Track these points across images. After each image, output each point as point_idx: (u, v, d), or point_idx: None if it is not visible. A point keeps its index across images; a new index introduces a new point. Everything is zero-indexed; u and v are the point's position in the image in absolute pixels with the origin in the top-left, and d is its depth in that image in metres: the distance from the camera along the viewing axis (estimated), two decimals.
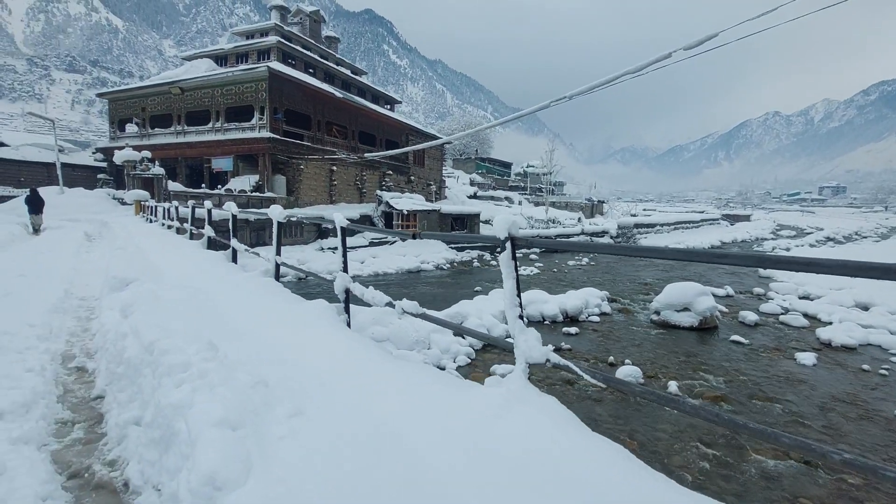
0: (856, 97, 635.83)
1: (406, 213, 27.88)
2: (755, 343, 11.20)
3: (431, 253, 26.16)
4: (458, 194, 49.33)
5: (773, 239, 47.37)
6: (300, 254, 22.44)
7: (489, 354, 10.19)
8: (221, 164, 27.12)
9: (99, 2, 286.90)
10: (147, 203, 18.39)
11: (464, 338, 10.21)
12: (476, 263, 25.84)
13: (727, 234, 47.71)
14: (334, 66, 35.65)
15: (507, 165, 75.94)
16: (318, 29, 37.53)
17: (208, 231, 9.04)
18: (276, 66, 26.39)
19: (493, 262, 26.07)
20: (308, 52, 32.97)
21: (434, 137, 45.81)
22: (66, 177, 27.34)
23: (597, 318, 13.82)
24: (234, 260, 8.01)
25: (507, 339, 3.06)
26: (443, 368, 9.24)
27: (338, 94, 30.56)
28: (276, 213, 6.12)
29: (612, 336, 12.22)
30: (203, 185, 26.00)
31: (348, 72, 37.82)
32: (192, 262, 6.12)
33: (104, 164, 31.94)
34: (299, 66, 31.26)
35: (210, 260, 6.97)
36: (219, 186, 25.50)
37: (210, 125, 27.54)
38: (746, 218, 72.61)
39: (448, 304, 15.83)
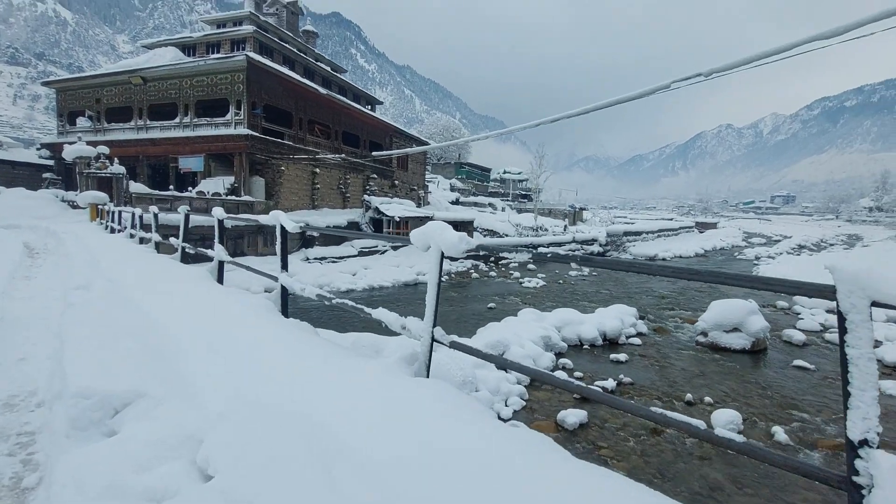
0: (800, 112, 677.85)
1: (398, 220, 25.79)
2: (820, 368, 10.23)
3: (426, 263, 24.22)
4: (441, 200, 47.57)
5: (748, 247, 48.07)
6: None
7: (540, 393, 8.59)
8: (190, 163, 24.22)
9: None
10: (106, 208, 15.54)
11: (507, 371, 8.57)
12: (475, 274, 24.09)
13: (706, 242, 47.96)
14: (314, 62, 33.24)
15: (487, 171, 74.72)
16: (295, 22, 35.02)
17: (209, 250, 6.87)
18: (255, 56, 23.85)
19: (492, 273, 24.41)
20: (286, 45, 30.45)
21: (420, 141, 44.00)
22: (4, 175, 23.75)
23: (637, 341, 12.38)
24: (220, 279, 6.04)
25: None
26: (500, 417, 7.48)
27: (321, 90, 28.20)
28: (284, 219, 4.32)
29: (665, 363, 10.77)
30: (171, 187, 23.06)
31: (328, 68, 35.47)
32: (219, 315, 3.98)
33: (51, 163, 28.19)
34: (277, 59, 28.72)
35: (244, 307, 5.00)
36: (189, 189, 22.64)
37: (177, 120, 24.62)
38: (714, 226, 74.29)
39: (465, 324, 13.99)
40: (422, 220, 27.69)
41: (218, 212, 5.50)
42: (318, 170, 27.84)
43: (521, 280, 22.54)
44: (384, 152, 31.77)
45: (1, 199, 21.04)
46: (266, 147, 24.20)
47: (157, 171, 26.70)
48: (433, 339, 2.86)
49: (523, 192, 74.15)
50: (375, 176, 33.94)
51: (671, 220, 72.60)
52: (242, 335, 3.15)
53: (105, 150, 20.22)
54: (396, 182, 37.96)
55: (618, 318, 12.88)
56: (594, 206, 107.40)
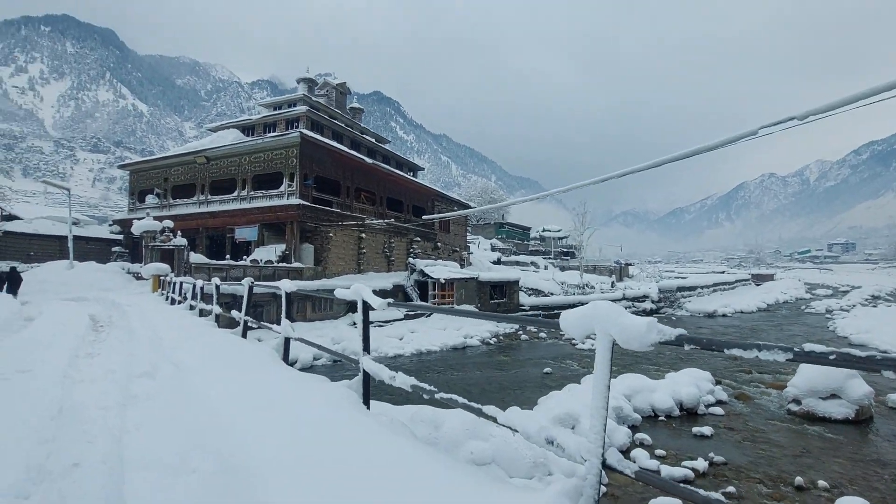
0: (848, 157, 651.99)
1: (443, 281, 25.58)
2: None
3: (473, 326, 23.55)
4: (482, 260, 47.37)
5: (814, 299, 44.50)
6: (333, 331, 19.89)
7: (622, 476, 7.34)
8: (245, 233, 25.37)
9: (127, 89, 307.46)
10: (167, 278, 16.18)
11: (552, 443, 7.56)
12: (524, 336, 23.13)
13: (766, 296, 44.84)
14: (359, 135, 35.21)
15: (526, 230, 74.70)
16: (343, 100, 37.66)
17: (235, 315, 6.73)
18: (308, 132, 25.48)
19: (542, 335, 23.35)
20: (335, 121, 32.54)
21: (461, 203, 44.80)
22: (78, 250, 25.58)
23: (719, 410, 11.08)
24: (286, 357, 5.70)
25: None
26: None
27: (367, 159, 29.54)
28: (368, 294, 3.98)
29: (757, 437, 9.49)
30: (227, 256, 24.07)
31: (373, 140, 37.43)
32: (297, 413, 3.42)
33: (120, 237, 30.37)
34: (327, 133, 30.60)
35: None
36: (244, 257, 23.54)
37: (235, 194, 26.17)
38: (771, 277, 69.78)
39: (522, 392, 13.07)
40: (466, 282, 27.37)
41: (286, 284, 5.29)
42: (363, 235, 28.50)
43: (573, 341, 21.40)
44: (430, 216, 32.38)
45: (73, 273, 22.51)
46: (316, 215, 25.11)
47: (214, 241, 28.12)
48: (604, 465, 2.09)
49: (564, 250, 73.13)
50: (419, 239, 34.40)
51: (723, 272, 69.02)
52: (330, 449, 2.67)
53: (170, 223, 21.53)
54: (439, 244, 38.28)
55: (692, 383, 11.70)
56: (637, 260, 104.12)
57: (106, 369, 5.41)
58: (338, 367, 15.63)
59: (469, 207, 45.03)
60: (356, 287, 3.79)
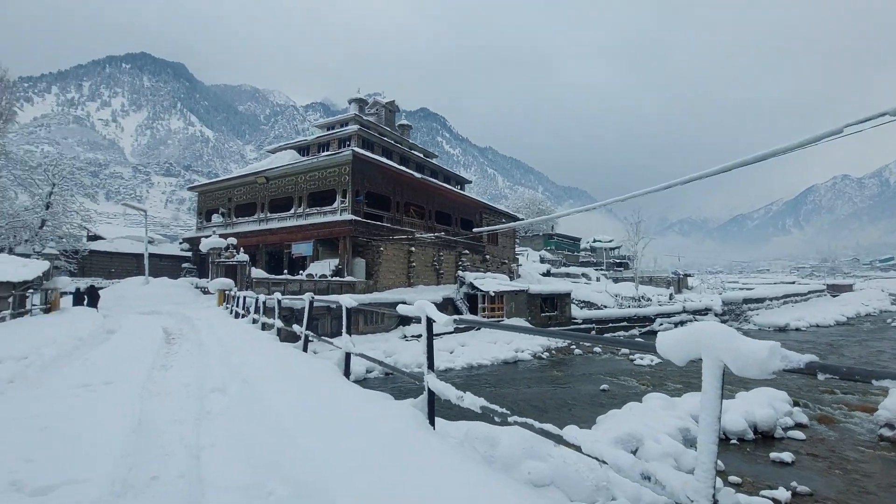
0: None
1: (493, 294, 25.35)
2: None
3: (524, 339, 23.12)
4: (531, 272, 46.61)
5: None
6: (385, 344, 20.18)
7: None
8: (301, 248, 26.43)
9: (195, 117, 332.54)
10: (231, 293, 17.09)
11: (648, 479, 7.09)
12: (577, 351, 22.40)
13: (845, 308, 41.03)
14: (408, 150, 35.95)
15: (576, 241, 72.90)
16: (392, 118, 38.69)
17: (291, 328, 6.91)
18: (359, 150, 26.35)
19: (597, 349, 22.52)
20: (385, 138, 33.44)
21: (509, 216, 44.52)
22: (152, 266, 27.61)
23: (799, 435, 10.17)
24: (347, 371, 5.73)
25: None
26: None
27: (416, 174, 30.06)
28: (432, 311, 3.91)
29: (847, 466, 8.63)
30: (285, 271, 25.16)
31: (421, 155, 38.07)
32: (366, 433, 3.38)
33: (189, 254, 32.56)
34: (377, 150, 31.48)
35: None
36: (300, 272, 24.50)
37: (292, 211, 27.41)
38: (849, 288, 63.59)
39: (578, 410, 12.59)
40: (516, 294, 26.98)
41: (346, 300, 5.38)
42: (413, 248, 28.90)
43: (631, 356, 20.47)
44: (479, 228, 32.40)
45: (148, 288, 24.29)
46: (367, 230, 25.77)
47: (273, 257, 29.50)
48: None
49: (617, 261, 70.59)
50: (467, 252, 34.42)
51: (793, 283, 63.87)
52: (402, 474, 2.63)
53: (233, 241, 22.82)
54: (488, 256, 38.12)
55: (768, 404, 10.84)
56: (696, 271, 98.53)
57: (180, 383, 5.73)
58: (389, 380, 15.76)
59: (517, 219, 44.62)
60: (420, 304, 3.77)
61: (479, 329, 23.76)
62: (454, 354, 19.75)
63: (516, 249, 47.66)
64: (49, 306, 16.26)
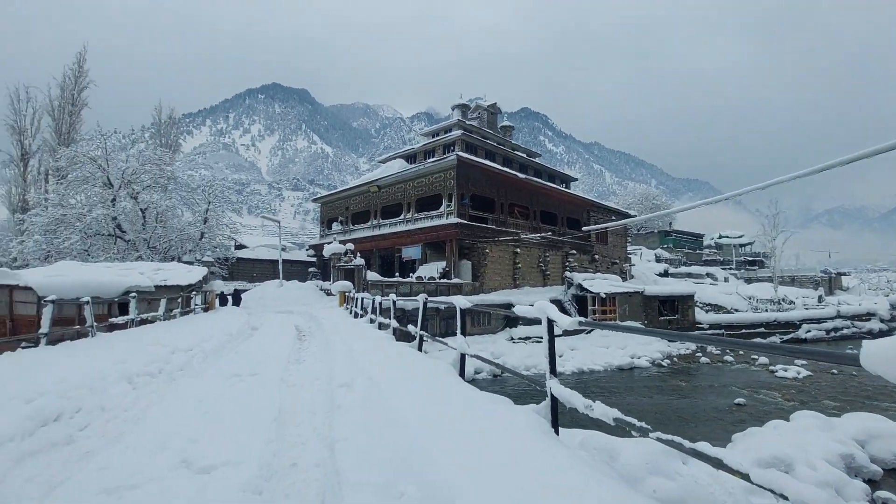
0: None
1: (604, 296, 24.05)
2: None
3: (639, 344, 21.54)
4: (645, 272, 43.28)
5: None
6: (492, 345, 20.27)
7: None
8: (410, 252, 27.72)
9: (317, 136, 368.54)
10: (350, 294, 18.54)
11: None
12: (703, 359, 20.24)
13: None
14: (511, 151, 35.77)
15: (698, 237, 66.03)
16: (494, 120, 38.84)
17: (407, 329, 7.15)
18: (463, 154, 26.90)
19: (728, 358, 20.11)
20: (487, 141, 33.69)
21: (620, 213, 42.03)
22: (284, 271, 31.08)
23: None
24: (462, 372, 5.79)
25: None
26: None
27: (519, 175, 29.79)
28: (554, 312, 3.70)
29: None
30: (396, 274, 26.63)
31: (524, 155, 37.63)
32: (490, 439, 3.27)
33: (314, 259, 36.06)
34: (480, 154, 31.82)
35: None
36: (410, 274, 25.74)
37: (401, 217, 28.89)
38: None
39: (706, 425, 11.36)
40: (630, 296, 25.27)
41: (460, 301, 5.46)
42: (518, 250, 28.62)
43: (771, 367, 17.93)
44: (588, 227, 31.08)
45: (282, 290, 27.36)
46: (473, 232, 26.16)
47: (385, 260, 31.37)
48: None
49: (749, 259, 62.37)
50: (574, 252, 33.14)
51: None
52: (530, 483, 2.52)
53: (351, 246, 24.74)
54: (597, 256, 36.30)
55: None
56: (852, 268, 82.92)
57: (311, 376, 6.35)
58: (497, 382, 15.75)
59: (628, 216, 41.82)
60: (541, 305, 3.66)
61: (589, 332, 22.69)
62: (563, 358, 19.11)
63: (628, 248, 44.66)
64: (207, 305, 19.15)
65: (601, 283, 25.04)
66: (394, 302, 9.52)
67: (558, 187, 35.22)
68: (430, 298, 7.47)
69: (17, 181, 29.73)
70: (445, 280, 24.44)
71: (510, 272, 28.29)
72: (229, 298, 23.68)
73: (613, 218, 39.58)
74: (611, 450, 6.32)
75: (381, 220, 30.68)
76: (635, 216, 43.81)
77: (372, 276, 22.76)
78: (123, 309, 12.24)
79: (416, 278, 24.37)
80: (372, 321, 11.40)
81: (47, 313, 8.00)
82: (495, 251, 27.26)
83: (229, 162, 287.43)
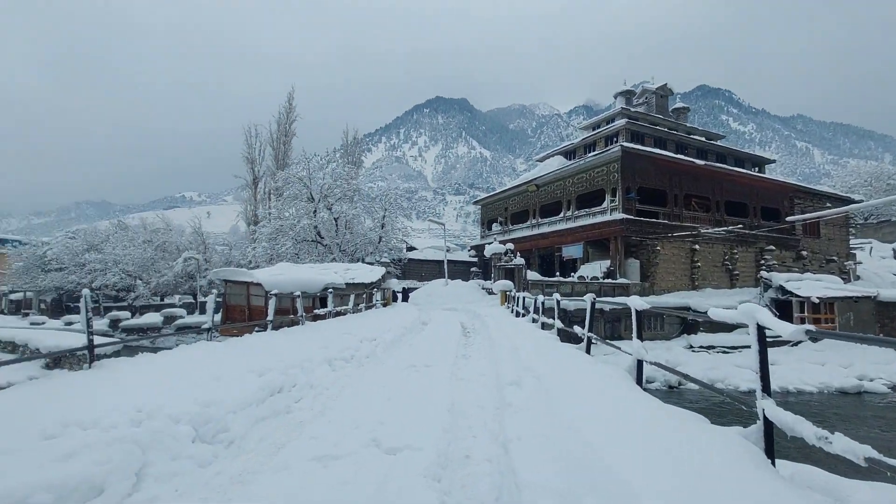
0: None
1: (816, 301, 19.66)
2: None
3: (873, 363, 16.98)
4: (879, 272, 33.92)
5: None
6: (666, 353, 18.28)
7: None
8: (571, 251, 26.81)
9: (476, 142, 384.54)
10: (511, 293, 18.79)
11: None
12: None
13: None
14: (685, 136, 31.84)
15: None
16: (664, 103, 35.08)
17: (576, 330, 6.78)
18: (628, 144, 24.96)
19: None
20: (657, 128, 30.60)
21: (839, 198, 34.11)
22: (448, 271, 33.02)
23: None
24: (640, 380, 5.25)
25: None
26: None
27: (697, 161, 26.34)
28: (767, 318, 2.98)
29: None
30: (557, 273, 26.08)
31: (702, 139, 33.12)
32: (682, 462, 2.81)
33: (475, 259, 37.56)
34: (648, 142, 29.08)
35: None
36: (571, 274, 24.92)
37: (561, 215, 28.14)
38: None
39: None
40: (856, 302, 20.17)
41: (637, 302, 4.99)
42: (697, 246, 25.30)
43: None
44: (794, 217, 25.93)
45: (448, 288, 29.12)
46: (640, 228, 24.06)
47: (545, 259, 30.95)
48: None
49: None
50: (772, 247, 27.84)
51: None
52: None
53: (511, 246, 25.06)
54: (804, 253, 29.89)
55: None
56: None
57: (477, 372, 6.60)
58: (674, 394, 14.17)
59: (851, 202, 33.46)
60: (747, 307, 2.95)
61: (795, 345, 18.83)
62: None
63: (851, 242, 35.71)
64: (385, 301, 21.49)
65: (812, 286, 20.50)
66: (557, 302, 9.31)
67: (748, 172, 30.11)
68: (598, 299, 7.08)
69: (250, 200, 37.81)
70: (610, 280, 22.97)
71: (687, 271, 25.18)
72: (398, 296, 26.25)
73: (828, 205, 32.13)
74: (836, 490, 5.09)
75: (539, 220, 30.37)
76: (860, 202, 34.83)
77: (532, 275, 22.67)
78: (323, 302, 14.54)
79: (578, 278, 23.44)
80: (534, 321, 11.33)
81: (272, 304, 9.94)
82: (668, 248, 24.58)
83: (400, 172, 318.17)
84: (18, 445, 3.07)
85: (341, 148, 39.18)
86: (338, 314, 14.03)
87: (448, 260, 34.22)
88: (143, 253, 33.97)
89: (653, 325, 20.61)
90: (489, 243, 26.69)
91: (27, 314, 36.71)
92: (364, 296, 17.64)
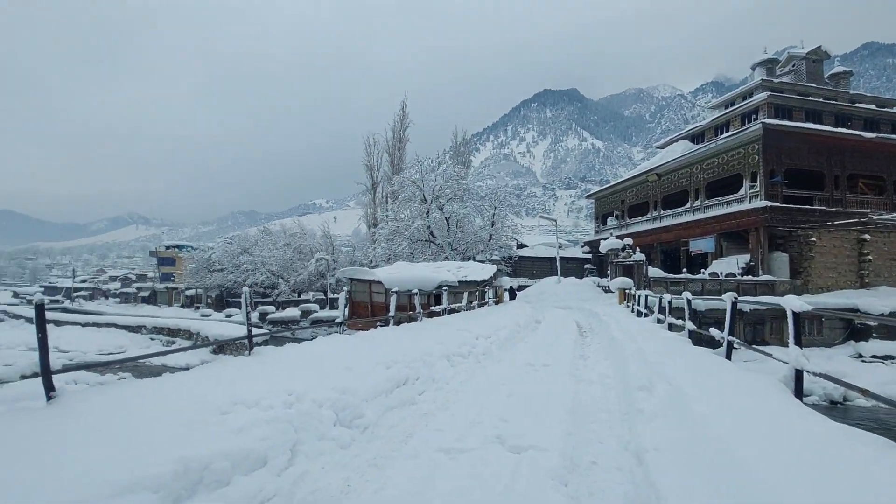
0: None
1: None
2: None
3: None
4: None
5: None
6: (826, 362, 15.57)
7: None
8: (700, 245, 24.22)
9: (587, 133, 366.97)
10: (631, 291, 17.60)
11: None
12: None
13: None
14: (848, 105, 26.81)
15: None
16: (818, 70, 29.88)
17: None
18: (771, 121, 21.78)
19: None
20: (808, 98, 26.24)
21: None
22: (563, 268, 32.00)
23: None
24: (799, 393, 4.49)
25: None
26: None
27: (864, 134, 22.02)
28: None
29: None
30: (684, 270, 23.77)
31: (871, 106, 27.58)
32: None
33: (589, 256, 35.85)
34: (797, 116, 25.06)
35: None
36: (701, 271, 22.53)
37: (687, 206, 25.58)
38: None
39: None
40: None
41: (794, 302, 4.23)
42: (867, 236, 21.11)
43: None
44: None
45: (560, 286, 28.25)
46: (789, 217, 20.86)
47: (668, 255, 28.41)
48: None
49: None
50: None
51: None
52: None
53: (629, 241, 23.48)
54: None
55: None
56: None
57: (599, 373, 6.31)
58: (837, 411, 12.00)
59: None
60: None
61: None
62: None
63: None
64: (497, 299, 21.57)
65: None
66: (688, 301, 8.50)
67: None
68: (741, 298, 6.33)
69: (370, 204, 40.75)
70: (749, 277, 20.28)
71: (853, 266, 21.17)
72: (508, 294, 26.15)
73: None
74: None
75: (661, 211, 27.96)
76: None
77: (654, 272, 20.99)
78: (437, 300, 15.09)
79: (710, 275, 21.08)
80: (659, 321, 10.46)
81: (392, 301, 10.60)
82: (826, 239, 20.91)
83: (509, 169, 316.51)
84: (204, 418, 3.70)
85: (451, 149, 40.22)
86: (452, 311, 14.44)
87: (561, 257, 33.19)
88: (283, 255, 39.09)
89: (808, 330, 17.72)
90: (604, 238, 25.30)
91: (198, 307, 45.40)
92: (477, 293, 17.91)
